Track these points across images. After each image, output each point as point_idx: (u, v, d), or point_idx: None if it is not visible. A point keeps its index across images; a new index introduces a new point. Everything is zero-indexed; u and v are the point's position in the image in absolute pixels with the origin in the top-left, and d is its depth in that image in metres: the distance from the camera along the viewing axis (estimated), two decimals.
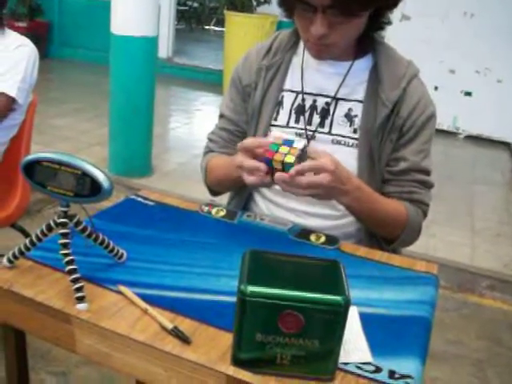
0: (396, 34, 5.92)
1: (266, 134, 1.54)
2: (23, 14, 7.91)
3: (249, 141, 1.35)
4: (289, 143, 1.28)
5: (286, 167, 1.26)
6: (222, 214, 1.49)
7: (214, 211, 1.49)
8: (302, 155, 1.27)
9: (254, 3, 6.82)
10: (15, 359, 1.20)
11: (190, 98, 7.23)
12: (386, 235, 1.51)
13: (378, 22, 1.45)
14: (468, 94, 6.15)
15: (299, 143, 1.28)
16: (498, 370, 2.72)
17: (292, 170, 1.24)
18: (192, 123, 6.29)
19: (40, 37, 7.79)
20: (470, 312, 3.21)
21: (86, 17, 8.16)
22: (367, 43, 1.50)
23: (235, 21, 6.81)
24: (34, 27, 7.84)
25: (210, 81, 7.64)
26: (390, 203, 1.47)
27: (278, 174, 1.26)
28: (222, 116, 1.67)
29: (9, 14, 7.56)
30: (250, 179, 1.32)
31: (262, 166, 1.28)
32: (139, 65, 4.11)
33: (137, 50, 4.07)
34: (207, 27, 13.27)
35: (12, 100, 2.32)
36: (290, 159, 1.25)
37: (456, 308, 3.22)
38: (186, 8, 12.73)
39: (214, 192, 1.72)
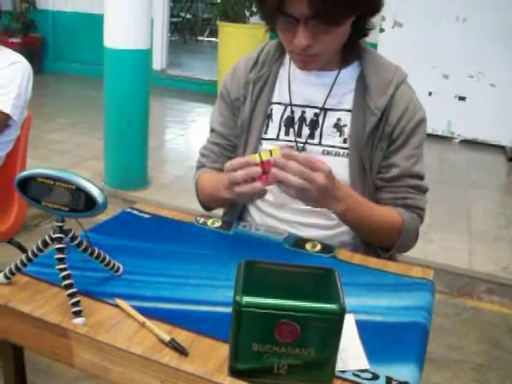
0: (389, 41, 5.96)
1: (256, 148, 1.54)
2: (17, 29, 7.92)
3: (232, 162, 1.34)
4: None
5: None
6: (218, 224, 1.49)
7: (209, 222, 1.50)
8: None
9: (247, 13, 6.84)
10: (14, 375, 1.20)
11: (184, 110, 7.23)
12: (381, 243, 1.51)
13: (361, 28, 1.45)
14: (462, 98, 6.16)
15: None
16: (500, 373, 2.72)
17: (286, 150, 1.25)
18: (187, 134, 6.29)
19: (34, 52, 7.81)
20: (470, 316, 3.21)
21: (80, 31, 8.18)
22: (353, 51, 1.50)
23: (228, 31, 6.83)
24: (27, 43, 7.86)
25: (205, 92, 7.64)
26: (383, 210, 1.47)
27: (276, 158, 1.25)
28: (212, 130, 1.68)
29: (2, 30, 7.59)
30: (239, 189, 1.30)
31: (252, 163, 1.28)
32: (133, 77, 4.11)
33: (130, 63, 4.07)
34: (201, 38, 13.28)
35: (7, 117, 2.33)
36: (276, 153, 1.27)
37: (455, 313, 3.22)
38: (179, 19, 12.75)
39: (207, 207, 1.71)
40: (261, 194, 1.33)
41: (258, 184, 1.28)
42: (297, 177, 1.24)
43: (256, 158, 1.27)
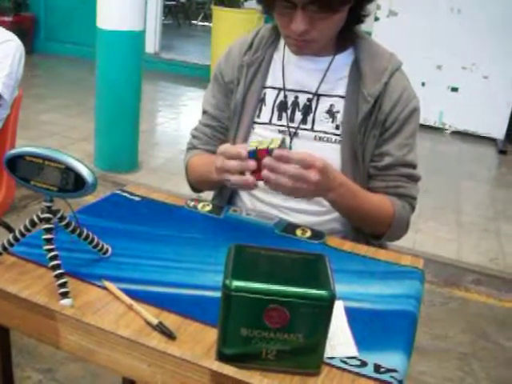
0: (383, 30, 5.95)
1: (248, 132, 1.54)
2: (8, 8, 7.85)
3: (227, 147, 1.32)
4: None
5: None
6: (208, 208, 1.48)
7: (199, 206, 1.49)
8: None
9: None
10: None
11: (176, 94, 7.21)
12: (372, 231, 1.51)
13: (357, 15, 1.44)
14: (454, 89, 6.17)
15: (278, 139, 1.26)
16: (484, 363, 2.74)
17: (277, 152, 1.22)
18: (179, 118, 6.27)
19: (26, 31, 7.74)
20: (456, 306, 3.23)
21: (72, 11, 8.11)
22: (348, 37, 1.49)
23: (222, 16, 6.80)
24: (19, 22, 7.79)
25: (198, 76, 7.61)
26: (375, 199, 1.46)
27: (266, 159, 1.23)
28: (204, 112, 1.67)
29: None
30: (232, 179, 1.29)
31: (244, 153, 1.26)
32: (126, 59, 4.08)
33: (123, 45, 4.04)
34: (194, 22, 13.22)
35: None
36: (276, 145, 1.24)
37: (442, 302, 3.24)
38: (174, 3, 12.67)
39: (196, 189, 1.71)
40: (251, 186, 1.30)
41: (250, 178, 1.27)
42: (289, 179, 1.23)
43: (252, 145, 1.26)
